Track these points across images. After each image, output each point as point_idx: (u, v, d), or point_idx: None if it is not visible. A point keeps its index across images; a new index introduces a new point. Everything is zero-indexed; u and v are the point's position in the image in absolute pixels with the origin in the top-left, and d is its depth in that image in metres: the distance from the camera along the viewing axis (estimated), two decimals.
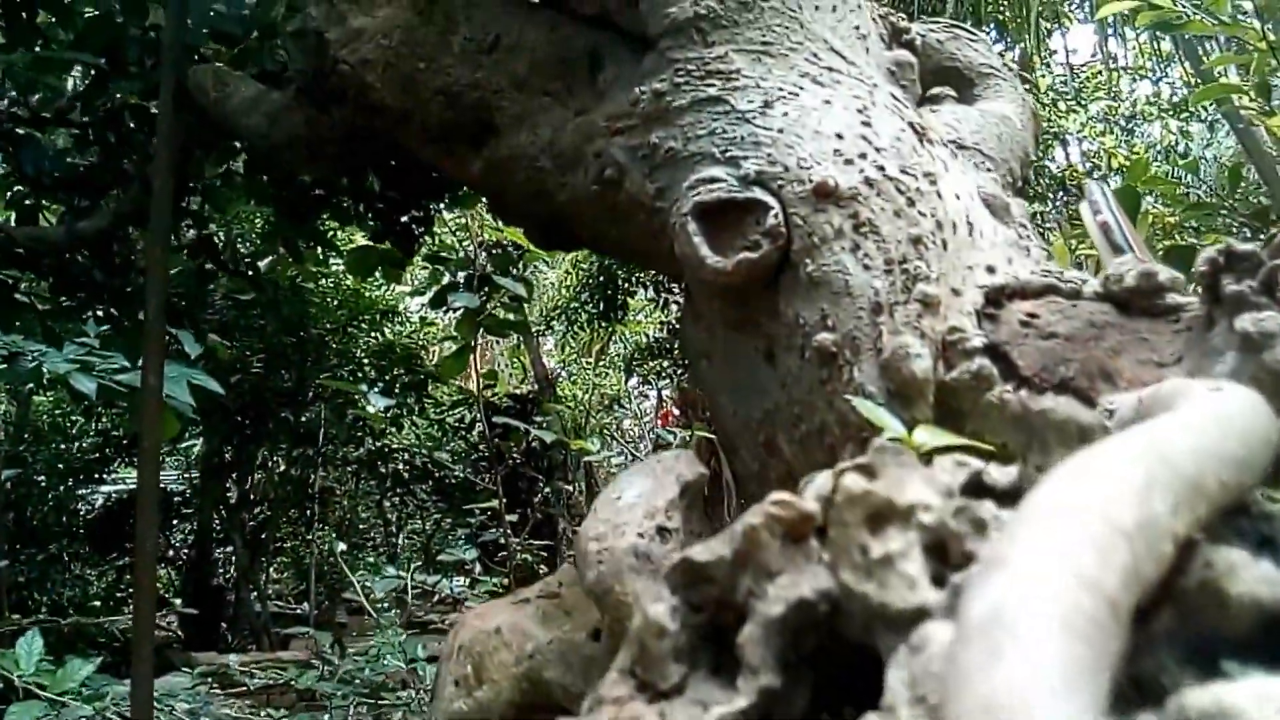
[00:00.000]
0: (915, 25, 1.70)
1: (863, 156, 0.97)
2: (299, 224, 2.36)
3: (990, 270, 0.92)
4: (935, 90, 1.48)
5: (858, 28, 1.15)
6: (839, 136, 0.99)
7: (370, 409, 4.30)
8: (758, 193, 0.99)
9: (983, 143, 1.38)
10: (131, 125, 1.87)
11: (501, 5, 1.40)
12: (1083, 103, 8.14)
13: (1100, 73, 8.89)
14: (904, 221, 0.93)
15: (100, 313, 2.20)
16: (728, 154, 1.04)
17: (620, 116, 1.20)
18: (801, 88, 1.06)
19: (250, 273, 2.65)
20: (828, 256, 0.93)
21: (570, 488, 7.12)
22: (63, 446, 7.32)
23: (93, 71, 1.84)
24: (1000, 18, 8.68)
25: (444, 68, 1.37)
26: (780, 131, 1.01)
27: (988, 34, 9.15)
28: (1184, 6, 3.56)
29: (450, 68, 1.37)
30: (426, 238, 2.58)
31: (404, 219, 2.20)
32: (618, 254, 1.67)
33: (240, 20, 1.73)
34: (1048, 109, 8.27)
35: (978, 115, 1.45)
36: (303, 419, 7.14)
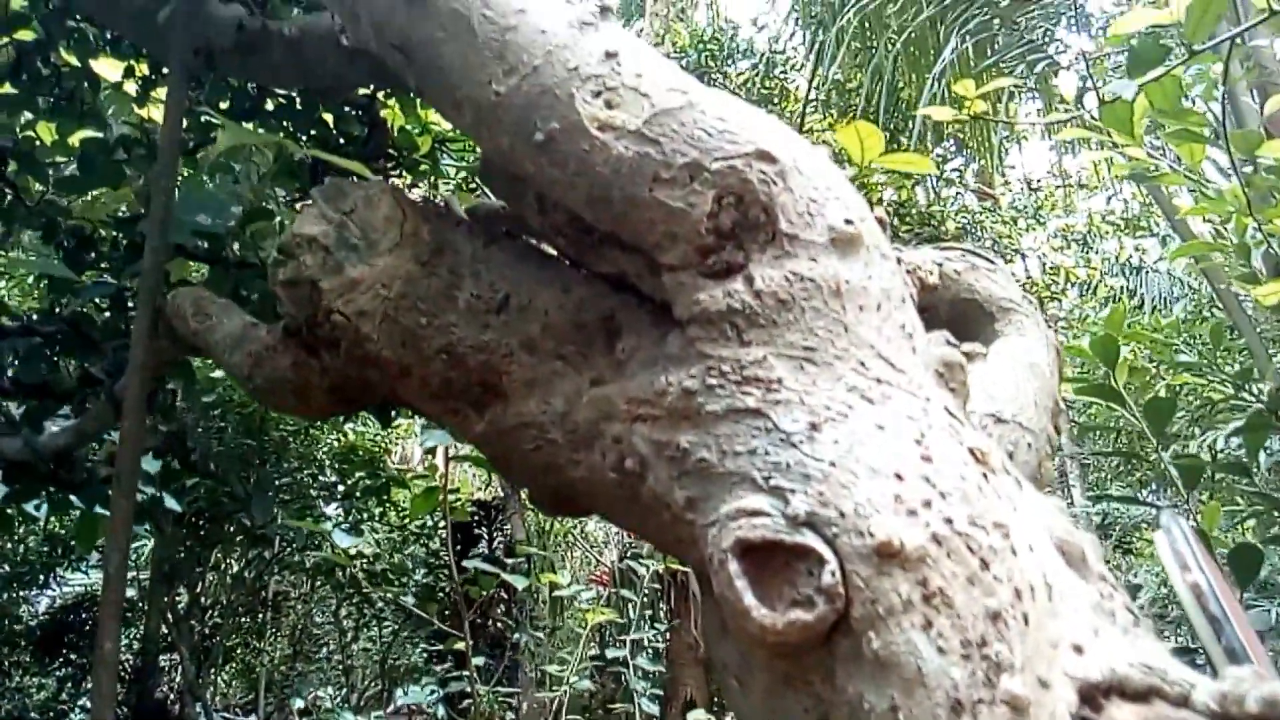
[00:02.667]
0: (931, 252, 1.66)
1: (927, 505, 0.88)
2: None
3: (1078, 650, 0.83)
4: (967, 347, 1.42)
5: (904, 326, 1.07)
6: (899, 477, 0.90)
7: (336, 545, 4.10)
8: (810, 538, 0.89)
9: (1021, 412, 1.31)
10: (100, 332, 1.76)
11: (511, 259, 1.32)
12: (1041, 220, 8.34)
13: (1057, 188, 9.15)
14: (979, 590, 0.84)
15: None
16: (771, 482, 0.94)
17: (643, 402, 1.11)
18: (851, 406, 0.97)
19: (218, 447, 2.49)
20: (896, 634, 0.83)
21: (540, 635, 6.88)
22: (7, 546, 7.03)
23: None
24: (960, 135, 8.92)
25: (448, 325, 1.27)
26: (832, 465, 0.92)
27: (947, 148, 9.41)
28: (1155, 156, 3.61)
29: (454, 326, 1.27)
30: None
31: None
32: (639, 536, 1.56)
33: (226, 226, 1.65)
34: (1008, 225, 8.47)
35: (1010, 372, 1.38)
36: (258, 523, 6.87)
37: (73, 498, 2.19)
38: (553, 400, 1.22)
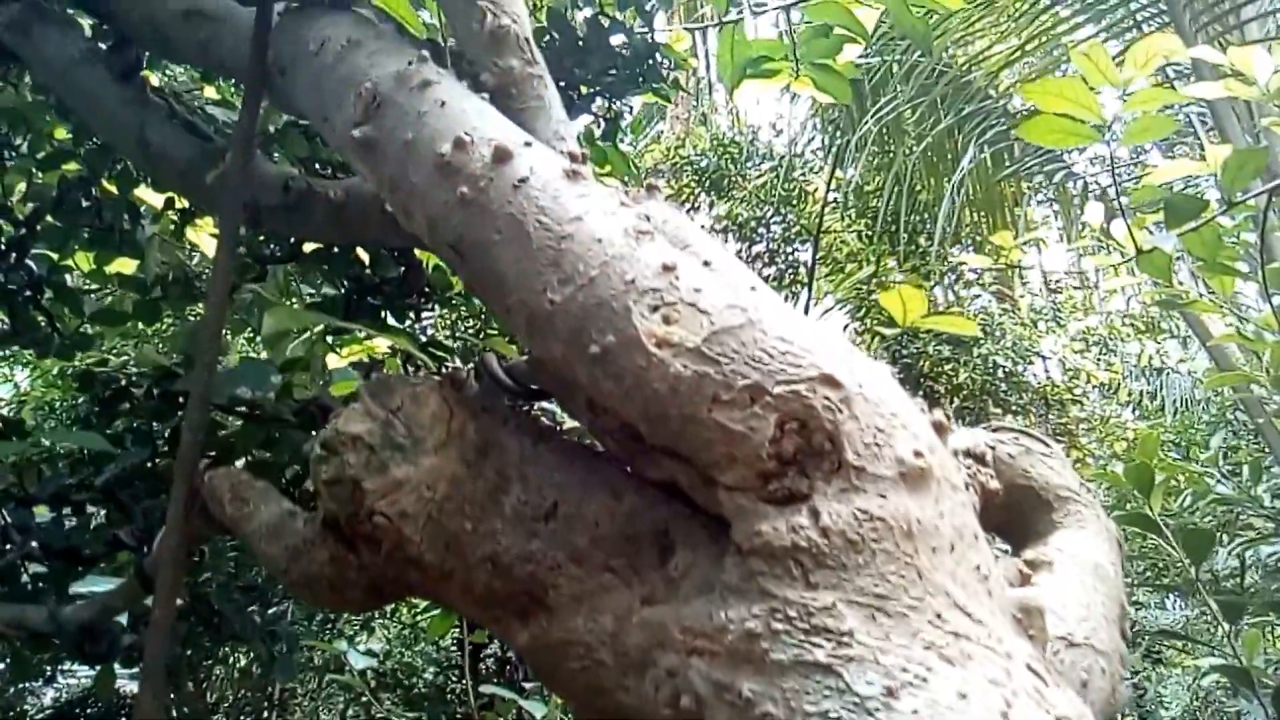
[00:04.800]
0: (983, 434, 1.62)
1: None
2: None
3: None
4: (1031, 554, 1.37)
5: (978, 567, 1.03)
6: None
7: (353, 667, 3.99)
8: None
9: (1094, 634, 1.25)
10: (129, 498, 1.74)
11: (560, 461, 1.29)
12: (1061, 322, 8.33)
13: (1076, 289, 9.16)
14: None
15: None
16: None
17: (700, 634, 1.06)
18: (930, 669, 0.92)
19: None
20: None
21: None
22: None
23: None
24: (977, 239, 8.97)
25: (493, 532, 1.23)
26: None
27: (964, 250, 9.46)
28: (1184, 287, 3.59)
29: (500, 533, 1.23)
30: None
31: None
32: None
33: (265, 392, 1.63)
34: (1027, 328, 8.46)
35: (1077, 583, 1.33)
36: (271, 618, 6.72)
37: None
38: (601, 618, 1.17)
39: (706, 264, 1.50)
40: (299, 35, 1.65)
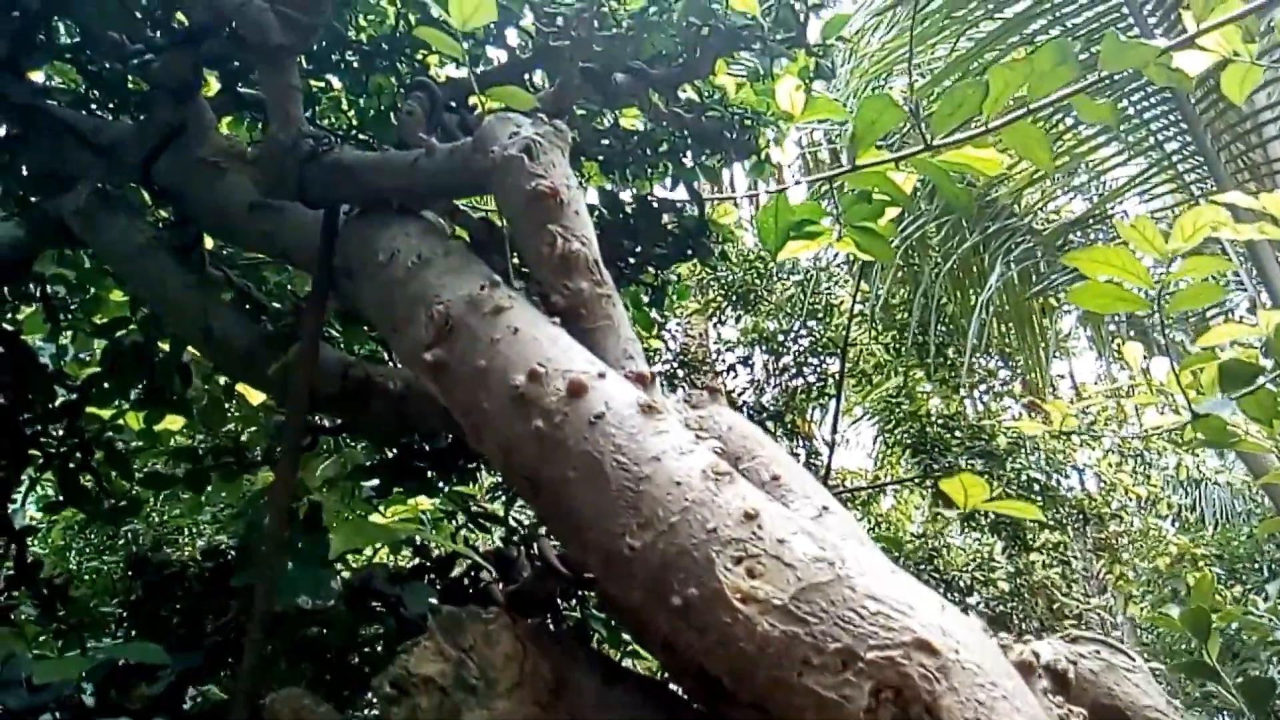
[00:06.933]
0: (1061, 646, 1.56)
1: None
2: None
3: None
4: None
5: None
6: None
7: None
8: None
9: None
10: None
11: (634, 701, 1.25)
12: (1096, 435, 8.22)
13: (1109, 398, 9.07)
14: None
15: None
16: None
17: None
18: None
19: None
20: None
21: None
22: None
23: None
24: (1007, 349, 8.94)
25: None
26: None
27: (990, 361, 9.40)
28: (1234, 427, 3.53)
29: None
30: None
31: None
32: None
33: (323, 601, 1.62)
34: (1061, 440, 8.34)
35: None
36: None
37: None
38: None
39: (775, 478, 1.49)
40: (367, 240, 1.68)
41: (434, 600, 2.02)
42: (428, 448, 2.45)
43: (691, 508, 1.16)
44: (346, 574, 1.80)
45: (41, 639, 2.60)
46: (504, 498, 2.91)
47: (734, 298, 8.62)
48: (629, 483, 1.20)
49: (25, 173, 2.43)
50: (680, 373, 8.18)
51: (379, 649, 2.22)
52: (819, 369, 8.80)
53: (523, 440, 1.29)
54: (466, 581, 2.30)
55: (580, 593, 2.06)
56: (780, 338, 8.65)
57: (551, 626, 2.05)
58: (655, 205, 2.19)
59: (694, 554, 1.13)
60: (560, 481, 1.24)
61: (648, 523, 1.17)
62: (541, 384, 1.29)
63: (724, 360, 8.90)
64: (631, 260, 2.35)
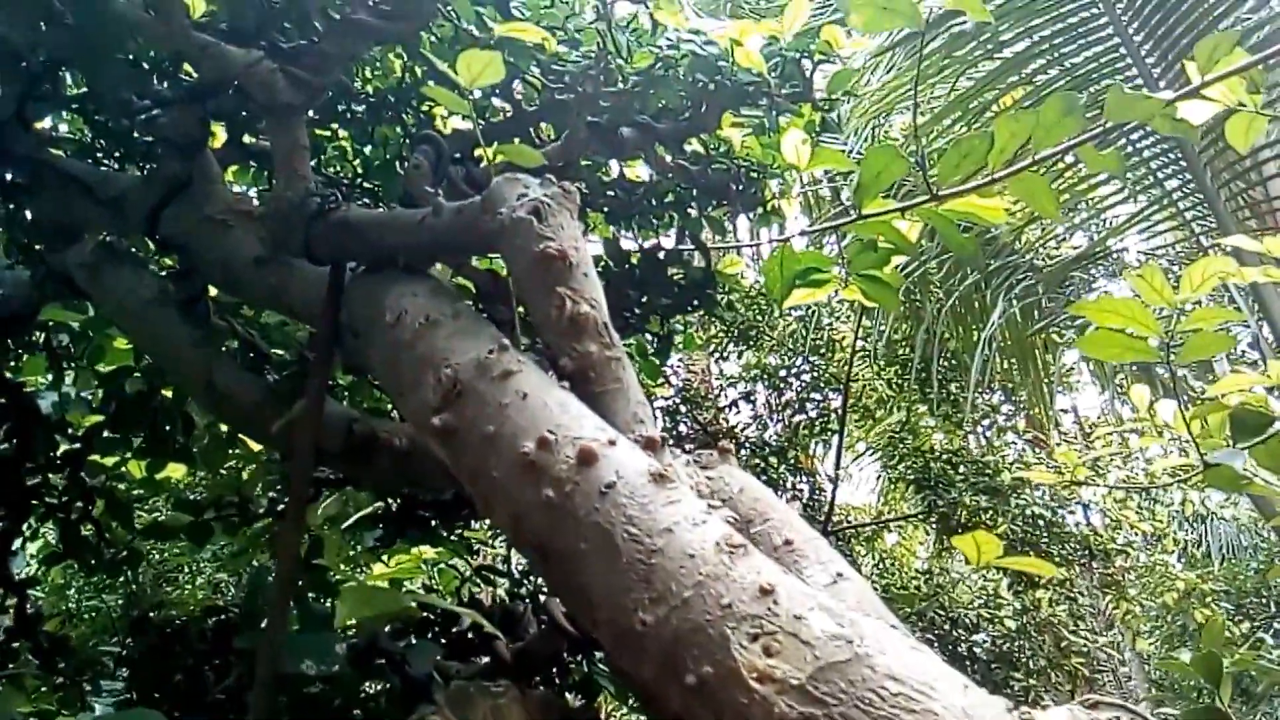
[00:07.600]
0: (1081, 712, 1.53)
1: None
2: None
3: None
4: None
5: None
6: None
7: None
8: None
9: None
10: None
11: None
12: (1100, 471, 8.17)
13: (1112, 435, 9.03)
14: None
15: None
16: None
17: None
18: None
19: None
20: None
21: None
22: None
23: None
24: (1010, 384, 8.93)
25: None
26: None
27: (993, 396, 9.38)
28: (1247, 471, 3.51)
29: None
30: None
31: None
32: None
33: (329, 667, 1.59)
34: (1066, 474, 8.30)
35: None
36: None
37: None
38: None
39: (788, 543, 1.46)
40: (374, 300, 1.67)
41: (439, 658, 1.99)
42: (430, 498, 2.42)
43: (705, 582, 1.14)
44: (352, 634, 1.77)
45: (41, 690, 2.56)
46: (507, 544, 2.88)
47: (735, 333, 8.62)
48: (641, 555, 1.18)
49: (31, 221, 2.43)
50: (682, 408, 8.16)
51: (383, 703, 2.19)
52: (821, 404, 8.79)
53: (532, 509, 1.27)
54: (471, 635, 2.27)
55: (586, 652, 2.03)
56: (782, 373, 8.64)
57: (558, 683, 2.01)
58: (661, 256, 2.18)
59: (708, 630, 1.11)
60: (571, 553, 1.22)
61: (660, 597, 1.14)
62: (552, 452, 1.28)
63: (726, 396, 8.88)
64: (637, 310, 2.34)
